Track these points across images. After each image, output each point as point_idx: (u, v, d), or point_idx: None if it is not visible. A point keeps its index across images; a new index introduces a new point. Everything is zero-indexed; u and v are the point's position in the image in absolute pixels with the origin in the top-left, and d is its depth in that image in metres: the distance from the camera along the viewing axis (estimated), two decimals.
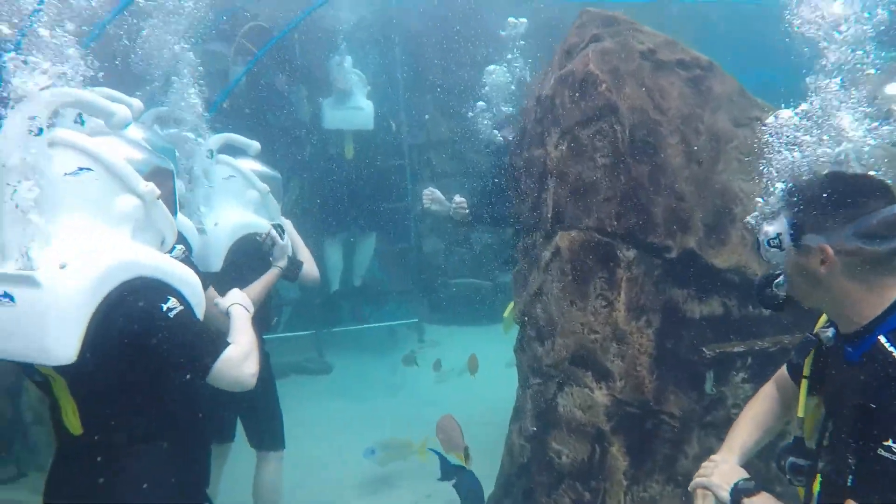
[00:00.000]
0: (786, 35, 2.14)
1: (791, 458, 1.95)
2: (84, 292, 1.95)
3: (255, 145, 3.86)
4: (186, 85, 3.46)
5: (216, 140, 3.65)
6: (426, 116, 8.44)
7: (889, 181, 1.84)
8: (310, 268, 3.78)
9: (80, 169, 2.10)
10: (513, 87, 5.16)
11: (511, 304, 5.18)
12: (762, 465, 2.55)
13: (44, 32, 2.11)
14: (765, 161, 2.00)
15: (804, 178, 1.90)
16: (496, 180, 4.72)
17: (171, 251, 2.38)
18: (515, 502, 3.94)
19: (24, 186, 1.96)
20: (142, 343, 2.04)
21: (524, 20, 5.47)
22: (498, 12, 5.76)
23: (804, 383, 1.97)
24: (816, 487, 1.89)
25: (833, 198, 1.76)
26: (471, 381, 6.41)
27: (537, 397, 3.74)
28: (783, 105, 2.11)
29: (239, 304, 2.55)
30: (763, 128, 2.05)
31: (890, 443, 1.60)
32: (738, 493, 1.93)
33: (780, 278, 1.96)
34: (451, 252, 8.48)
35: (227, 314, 2.53)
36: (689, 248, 3.42)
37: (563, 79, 3.60)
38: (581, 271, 3.44)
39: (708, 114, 3.52)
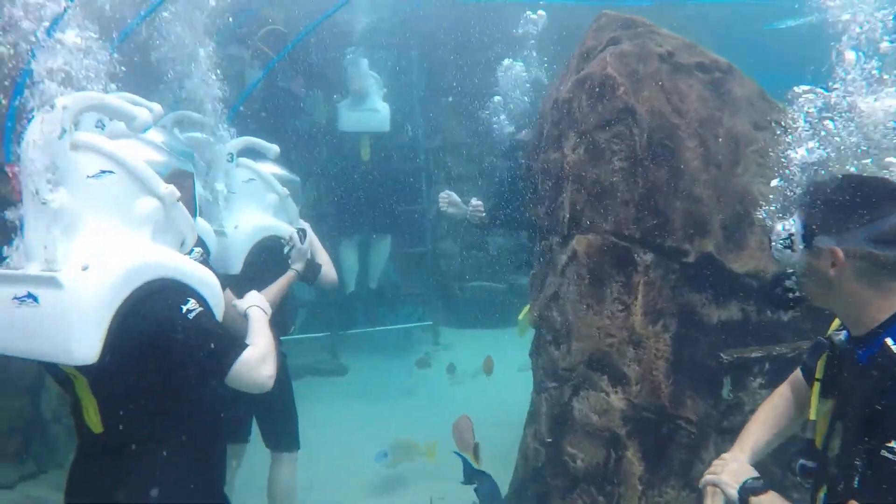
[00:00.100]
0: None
1: (801, 461, 1.95)
2: (106, 293, 1.97)
3: (275, 149, 3.88)
4: (206, 88, 3.49)
5: (236, 143, 3.68)
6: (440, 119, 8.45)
7: None
8: (328, 270, 3.79)
9: (102, 171, 2.12)
10: (528, 86, 5.14)
11: (526, 308, 5.17)
12: (777, 471, 2.53)
13: (68, 36, 2.14)
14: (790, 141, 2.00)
15: (819, 179, 1.90)
16: (512, 183, 4.72)
17: (189, 254, 2.40)
18: None
19: (46, 189, 1.99)
20: (161, 344, 2.06)
21: (543, 13, 5.43)
22: (514, 15, 5.75)
23: (816, 386, 1.97)
24: (822, 490, 1.89)
25: (847, 201, 1.76)
26: (484, 385, 6.41)
27: (552, 401, 3.73)
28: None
29: (257, 306, 2.56)
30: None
31: (893, 444, 1.60)
32: (745, 491, 1.94)
33: (792, 278, 1.96)
34: (467, 255, 8.48)
35: (245, 316, 2.54)
36: (706, 253, 3.40)
37: (581, 82, 3.59)
38: (598, 275, 3.43)
39: (727, 117, 3.50)
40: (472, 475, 3.79)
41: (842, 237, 1.75)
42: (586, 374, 3.49)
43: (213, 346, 2.13)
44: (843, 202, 1.76)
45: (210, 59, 3.53)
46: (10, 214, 2.08)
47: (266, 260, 3.54)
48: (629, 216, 3.39)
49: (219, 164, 3.56)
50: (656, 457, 3.40)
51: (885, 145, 2.04)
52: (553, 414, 3.72)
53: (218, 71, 3.60)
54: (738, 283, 3.45)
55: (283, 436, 3.92)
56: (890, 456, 1.61)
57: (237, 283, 2.98)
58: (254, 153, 3.84)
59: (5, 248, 2.07)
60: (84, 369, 2.03)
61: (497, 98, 5.15)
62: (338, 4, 5.39)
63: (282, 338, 3.48)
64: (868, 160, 2.00)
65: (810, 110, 2.06)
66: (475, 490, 3.80)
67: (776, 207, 1.94)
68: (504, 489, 4.14)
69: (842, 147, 2.02)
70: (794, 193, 1.90)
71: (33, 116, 2.03)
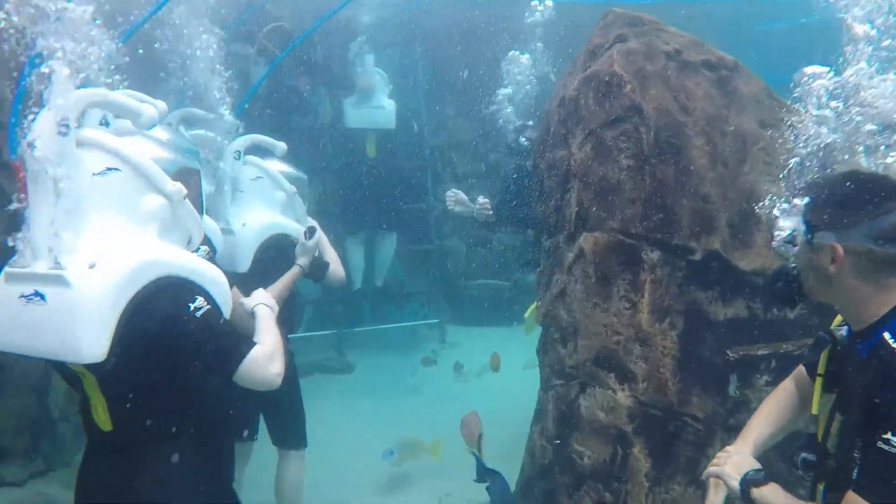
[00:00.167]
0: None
1: (803, 454, 1.97)
2: (113, 291, 1.97)
3: (282, 146, 3.87)
4: (212, 85, 3.49)
5: (243, 141, 3.67)
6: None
7: None
8: (336, 268, 3.79)
9: (108, 169, 2.11)
10: (533, 80, 5.12)
11: (532, 306, 5.16)
12: (784, 469, 2.53)
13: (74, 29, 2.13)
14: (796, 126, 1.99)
15: (822, 175, 1.90)
16: (518, 181, 4.71)
17: (195, 251, 2.40)
18: (537, 503, 3.93)
19: (52, 187, 1.99)
20: (169, 342, 2.06)
21: (550, 3, 5.40)
22: (520, 12, 5.74)
23: (818, 381, 1.99)
24: (822, 483, 1.92)
25: (848, 197, 1.78)
26: (489, 382, 6.42)
27: (559, 398, 3.73)
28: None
29: (264, 304, 2.56)
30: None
31: (889, 436, 1.63)
32: (747, 482, 1.97)
33: (794, 272, 1.98)
34: (473, 253, 8.47)
35: (252, 314, 2.54)
36: (713, 250, 3.39)
37: (588, 80, 3.58)
38: (604, 273, 3.43)
39: (734, 115, 3.49)
40: (485, 474, 3.79)
41: (842, 233, 1.77)
42: (593, 372, 3.49)
43: (220, 343, 2.13)
44: (844, 199, 1.78)
45: (217, 52, 3.52)
46: (15, 211, 2.08)
47: (274, 258, 3.53)
48: (636, 214, 3.38)
49: (226, 161, 3.56)
50: (663, 454, 3.40)
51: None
52: (560, 411, 3.72)
53: (222, 67, 3.60)
54: (744, 281, 3.44)
55: (290, 434, 3.92)
56: (886, 447, 1.63)
57: (245, 281, 2.98)
58: (261, 151, 3.84)
59: (9, 240, 2.07)
60: (92, 367, 2.02)
61: (504, 90, 5.12)
62: (343, 1, 5.38)
63: (289, 336, 3.48)
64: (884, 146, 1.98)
65: (820, 91, 2.04)
66: (487, 489, 3.80)
67: (784, 199, 1.94)
68: (510, 486, 4.15)
69: (849, 130, 2.00)
70: (799, 185, 1.90)
71: (38, 113, 2.03)
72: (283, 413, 3.87)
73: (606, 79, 3.48)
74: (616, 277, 3.42)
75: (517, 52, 5.18)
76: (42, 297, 1.95)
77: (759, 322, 3.47)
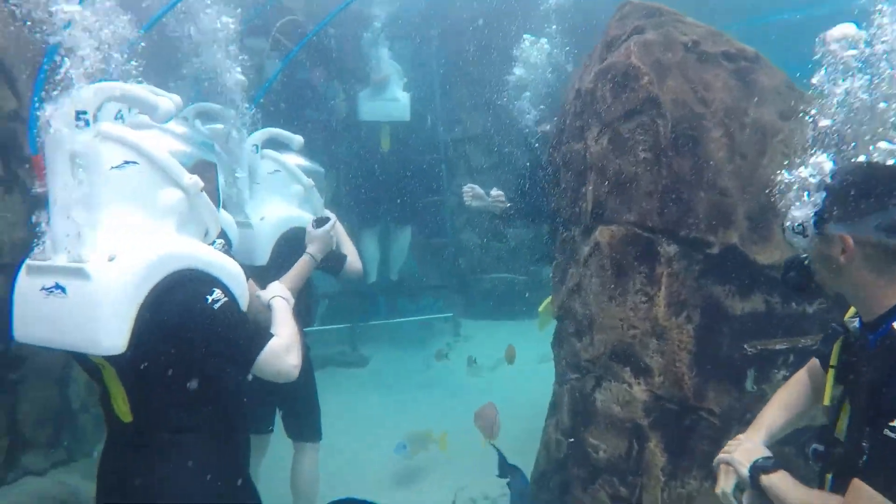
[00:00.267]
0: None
1: (814, 445, 1.98)
2: (132, 284, 1.98)
3: (299, 139, 3.88)
4: (229, 79, 3.49)
5: (260, 135, 3.68)
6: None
7: None
8: (353, 261, 3.78)
9: (126, 162, 2.13)
10: (549, 70, 5.06)
11: (546, 301, 5.14)
12: (803, 464, 2.51)
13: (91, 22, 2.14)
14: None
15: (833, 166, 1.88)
16: (533, 174, 4.69)
17: (211, 244, 2.41)
18: (552, 496, 3.93)
19: (72, 180, 2.00)
20: (187, 334, 2.07)
21: None
22: (535, 4, 5.70)
23: (831, 372, 2.00)
24: (829, 473, 1.93)
25: (859, 188, 1.77)
26: (503, 377, 6.42)
27: (575, 392, 3.72)
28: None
29: (280, 296, 2.57)
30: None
31: (895, 423, 1.63)
32: (756, 469, 1.98)
33: (806, 262, 1.99)
34: (487, 247, 8.45)
35: (268, 307, 2.55)
36: (731, 244, 3.36)
37: (604, 72, 3.55)
38: (621, 266, 3.41)
39: (753, 107, 3.45)
40: (506, 469, 3.79)
41: (852, 225, 1.77)
42: (609, 366, 3.48)
43: (238, 335, 2.15)
44: (854, 190, 1.78)
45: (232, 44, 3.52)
46: (35, 206, 2.10)
47: (291, 251, 3.52)
48: (653, 207, 3.36)
49: (244, 155, 3.56)
50: (679, 448, 3.39)
51: None
52: (575, 405, 3.71)
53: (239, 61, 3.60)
54: (762, 275, 3.40)
55: (305, 426, 3.94)
56: (893, 435, 1.63)
57: (262, 275, 2.99)
58: (278, 144, 3.84)
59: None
60: (112, 359, 2.04)
61: (517, 73, 5.07)
62: None
63: (305, 329, 3.49)
64: None
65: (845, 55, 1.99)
66: (508, 484, 3.80)
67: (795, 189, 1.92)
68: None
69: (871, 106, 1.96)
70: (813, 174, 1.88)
71: (58, 107, 2.04)
72: (298, 406, 3.89)
73: (623, 70, 3.45)
74: (632, 271, 3.40)
75: (533, 38, 5.11)
76: (63, 289, 1.98)
77: (777, 316, 3.44)
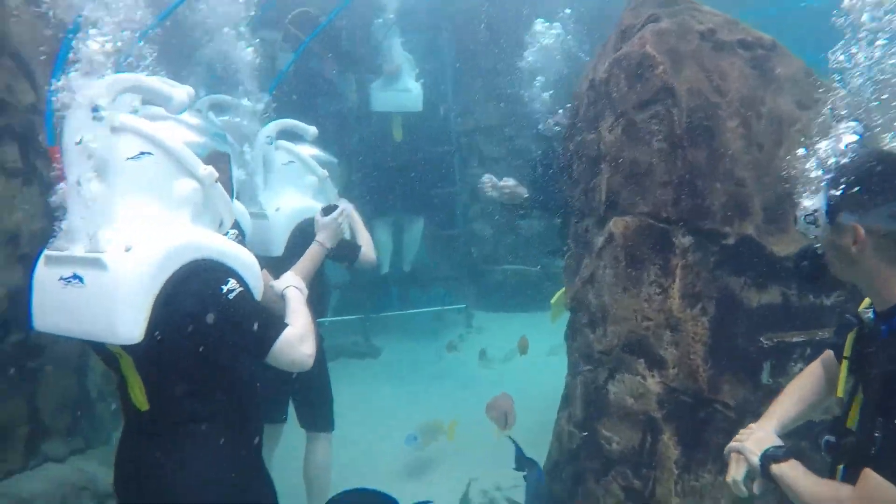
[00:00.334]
0: None
1: (826, 436, 1.96)
2: (149, 274, 1.99)
3: (313, 130, 3.89)
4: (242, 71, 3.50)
5: (274, 126, 3.69)
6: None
7: None
8: (367, 251, 3.79)
9: (142, 153, 2.14)
10: (559, 57, 5.02)
11: (559, 293, 5.14)
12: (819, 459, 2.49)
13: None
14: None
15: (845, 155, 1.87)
16: (547, 165, 4.67)
17: (225, 235, 2.42)
18: (564, 488, 3.93)
19: (88, 171, 2.01)
20: (202, 324, 2.08)
21: None
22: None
23: (844, 363, 1.98)
24: (841, 464, 1.92)
25: (871, 178, 1.76)
26: (515, 368, 6.42)
27: (588, 384, 3.71)
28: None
29: (294, 286, 2.58)
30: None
31: None
32: (767, 458, 1.97)
33: (819, 251, 1.97)
34: (499, 238, 8.44)
35: (282, 296, 2.56)
36: (747, 235, 3.33)
37: (619, 61, 3.53)
38: (635, 258, 3.39)
39: (770, 96, 3.41)
40: (523, 462, 3.78)
41: (864, 214, 1.76)
42: (622, 358, 3.46)
43: (253, 325, 2.16)
44: (866, 179, 1.76)
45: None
46: (53, 196, 2.11)
47: (306, 242, 3.53)
48: (667, 198, 3.33)
49: (259, 146, 3.58)
50: (693, 441, 3.37)
51: None
52: (588, 397, 3.70)
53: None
54: (779, 267, 3.37)
55: (318, 417, 3.97)
56: None
57: (277, 265, 3.00)
58: (292, 135, 3.85)
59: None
60: (129, 348, 2.06)
61: (529, 59, 5.03)
62: None
63: (318, 320, 3.50)
64: None
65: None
66: (524, 477, 3.80)
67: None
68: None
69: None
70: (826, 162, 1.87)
71: (74, 99, 2.06)
72: (312, 396, 3.92)
73: (638, 60, 3.43)
74: (646, 262, 3.38)
75: (545, 22, 5.06)
76: (80, 279, 1.99)
77: (794, 308, 3.41)
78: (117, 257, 1.97)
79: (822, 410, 2.28)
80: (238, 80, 3.53)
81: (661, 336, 3.35)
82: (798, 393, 2.23)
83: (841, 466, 1.91)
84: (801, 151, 1.93)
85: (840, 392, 1.97)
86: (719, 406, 3.34)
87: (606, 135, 3.54)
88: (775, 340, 3.33)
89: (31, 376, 4.03)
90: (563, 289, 4.43)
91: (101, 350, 2.22)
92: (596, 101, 3.71)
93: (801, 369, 3.30)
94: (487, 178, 4.95)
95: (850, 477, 1.79)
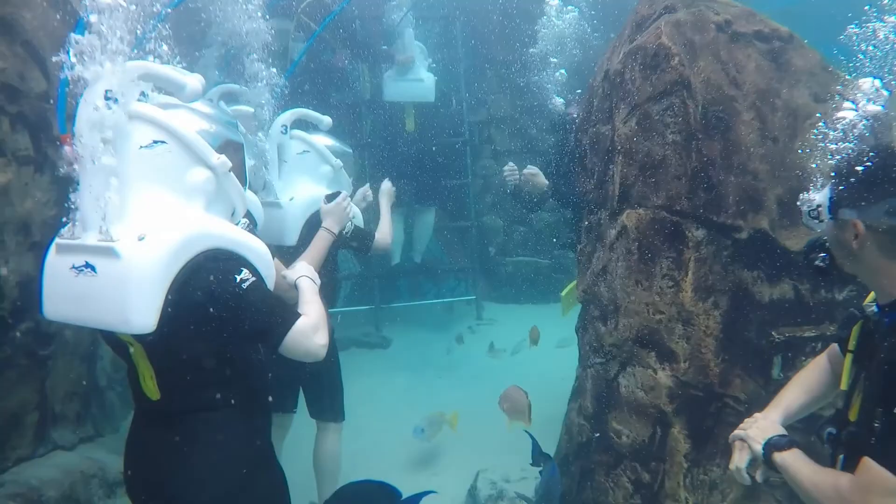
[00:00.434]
0: None
1: (829, 428, 2.00)
2: (162, 263, 1.99)
3: (327, 120, 3.88)
4: (256, 60, 3.49)
5: (289, 115, 3.68)
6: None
7: None
8: (381, 238, 3.82)
9: (155, 142, 2.13)
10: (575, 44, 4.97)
11: (570, 286, 5.11)
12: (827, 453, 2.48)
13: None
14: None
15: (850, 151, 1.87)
16: (560, 157, 4.64)
17: (236, 224, 2.42)
18: (573, 481, 3.93)
19: (102, 159, 2.01)
20: (215, 314, 2.08)
21: None
22: None
23: (849, 356, 1.99)
24: (841, 454, 1.93)
25: (871, 174, 1.77)
26: (524, 360, 6.41)
27: (598, 377, 3.70)
28: None
29: (306, 276, 2.58)
30: None
31: None
32: (770, 446, 2.01)
33: (828, 244, 2.00)
34: (511, 230, 8.42)
35: (294, 286, 2.56)
36: (761, 229, 3.31)
37: (633, 52, 3.50)
38: (648, 250, 3.37)
39: (786, 88, 3.37)
40: (540, 458, 3.77)
41: (864, 210, 1.78)
42: (633, 351, 3.45)
43: (266, 315, 2.15)
44: (867, 175, 1.78)
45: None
46: (66, 185, 2.11)
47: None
48: (681, 191, 3.31)
49: (273, 136, 3.57)
50: (703, 435, 3.36)
51: None
52: (599, 389, 3.69)
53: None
54: (792, 261, 3.34)
55: (329, 407, 3.98)
56: None
57: (291, 255, 3.00)
58: (306, 125, 3.84)
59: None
60: (141, 337, 2.06)
61: (542, 47, 4.98)
62: None
63: (330, 311, 3.51)
64: None
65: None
66: (540, 473, 3.79)
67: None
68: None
69: None
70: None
71: (86, 87, 2.05)
72: (322, 386, 3.92)
73: (653, 51, 3.39)
74: (659, 255, 3.36)
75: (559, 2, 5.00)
76: (93, 268, 1.99)
77: (806, 303, 3.38)
78: (130, 246, 1.97)
79: (826, 402, 2.29)
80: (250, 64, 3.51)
81: (672, 329, 3.34)
82: (803, 385, 2.26)
83: (841, 457, 1.92)
84: (822, 126, 1.91)
85: (844, 385, 1.98)
86: (730, 400, 3.33)
87: (621, 127, 3.52)
88: (787, 335, 3.31)
89: (42, 364, 4.05)
90: (574, 282, 4.42)
91: (112, 339, 2.22)
92: (610, 93, 3.68)
93: None
94: (510, 166, 4.93)
95: (850, 466, 1.81)
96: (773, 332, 3.33)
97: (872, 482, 1.67)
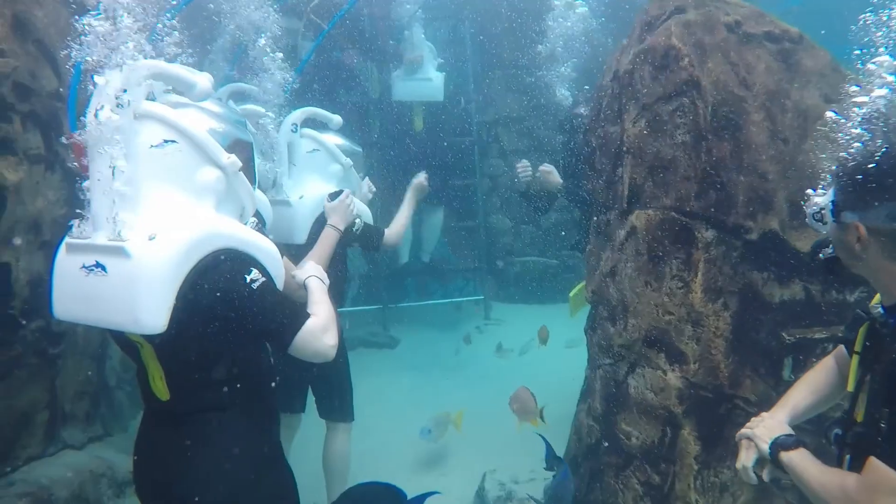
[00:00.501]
0: None
1: (836, 430, 1.99)
2: (172, 263, 1.98)
3: (337, 119, 3.88)
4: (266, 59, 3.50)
5: (299, 114, 3.69)
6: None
7: None
8: (390, 234, 3.83)
9: (165, 141, 2.13)
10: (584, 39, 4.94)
11: (578, 287, 5.09)
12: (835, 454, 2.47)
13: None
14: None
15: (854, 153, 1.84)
16: (568, 157, 4.63)
17: (245, 223, 2.41)
18: (582, 482, 3.92)
19: (112, 159, 2.01)
20: (225, 314, 2.08)
21: None
22: None
23: (855, 358, 1.99)
24: (847, 454, 1.93)
25: (874, 176, 1.75)
26: (532, 360, 6.40)
27: (607, 378, 3.69)
28: None
29: (315, 276, 2.58)
30: None
31: None
32: (776, 446, 2.01)
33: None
34: (519, 230, 8.41)
35: (303, 286, 2.56)
36: (771, 230, 3.29)
37: (643, 53, 3.48)
38: (657, 251, 3.36)
39: (796, 89, 3.35)
40: (554, 461, 3.76)
41: (866, 213, 1.77)
42: (643, 352, 3.44)
43: (276, 315, 2.15)
44: (869, 178, 1.76)
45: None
46: (76, 184, 2.11)
47: None
48: (691, 191, 3.30)
49: (283, 135, 3.58)
50: (713, 436, 3.34)
51: None
52: (608, 391, 3.68)
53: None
54: (802, 262, 3.33)
55: (337, 407, 3.98)
56: None
57: (301, 253, 3.01)
58: (316, 124, 3.85)
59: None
60: (150, 337, 2.06)
61: (551, 45, 4.96)
62: None
63: (339, 310, 3.51)
64: None
65: None
66: (553, 476, 3.78)
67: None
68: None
69: None
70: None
71: (97, 86, 2.05)
72: (331, 386, 3.92)
73: (663, 52, 3.38)
74: (669, 256, 3.35)
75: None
76: (103, 268, 1.98)
77: (817, 304, 3.37)
78: (141, 246, 1.96)
79: (833, 403, 2.29)
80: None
81: (682, 330, 3.33)
82: (810, 385, 2.26)
83: (848, 457, 1.92)
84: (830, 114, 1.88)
85: (850, 386, 1.98)
86: (740, 401, 3.31)
87: (630, 127, 3.51)
88: (797, 336, 3.29)
89: (52, 363, 4.06)
90: (582, 282, 4.40)
91: (121, 339, 2.22)
92: (619, 94, 3.67)
93: None
94: (524, 163, 4.91)
95: (856, 467, 1.80)
96: (783, 334, 3.31)
97: (879, 482, 1.67)
